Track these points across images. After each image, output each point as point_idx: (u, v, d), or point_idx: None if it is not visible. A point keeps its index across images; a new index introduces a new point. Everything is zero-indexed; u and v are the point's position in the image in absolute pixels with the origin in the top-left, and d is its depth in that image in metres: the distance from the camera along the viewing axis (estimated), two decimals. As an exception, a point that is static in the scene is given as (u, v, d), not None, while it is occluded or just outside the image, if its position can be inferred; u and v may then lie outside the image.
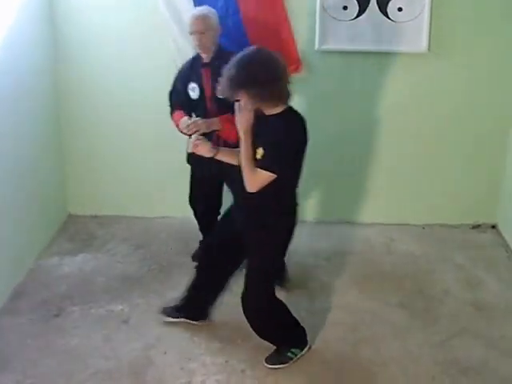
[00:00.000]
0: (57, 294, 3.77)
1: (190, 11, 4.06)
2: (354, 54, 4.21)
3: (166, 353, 3.30)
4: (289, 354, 3.26)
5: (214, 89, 3.50)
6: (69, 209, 4.70)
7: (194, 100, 3.70)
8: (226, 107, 3.50)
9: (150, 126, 4.47)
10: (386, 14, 4.09)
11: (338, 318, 3.60)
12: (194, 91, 3.69)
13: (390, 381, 3.12)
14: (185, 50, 4.16)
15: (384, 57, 4.22)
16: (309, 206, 4.60)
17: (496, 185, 4.51)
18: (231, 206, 3.28)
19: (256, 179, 2.89)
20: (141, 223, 4.61)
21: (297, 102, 4.21)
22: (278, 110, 2.91)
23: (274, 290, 3.17)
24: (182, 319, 3.51)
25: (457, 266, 4.13)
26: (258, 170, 2.88)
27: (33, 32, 4.04)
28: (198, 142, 3.08)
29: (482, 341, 3.41)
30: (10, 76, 3.71)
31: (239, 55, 2.86)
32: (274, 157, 2.87)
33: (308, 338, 3.32)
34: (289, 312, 3.26)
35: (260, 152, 2.89)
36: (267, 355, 3.25)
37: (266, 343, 3.26)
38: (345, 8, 4.10)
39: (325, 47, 4.17)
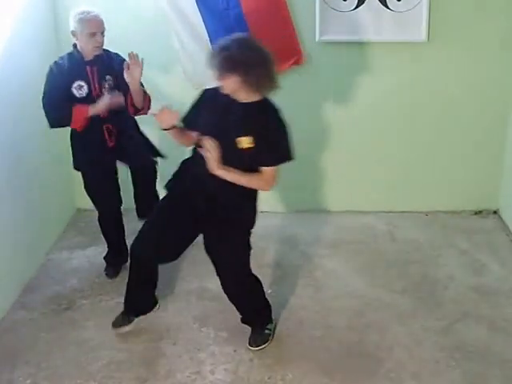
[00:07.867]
0: (67, 288, 3.83)
1: (193, 8, 4.09)
2: (355, 44, 4.23)
3: (175, 344, 3.35)
4: (266, 331, 3.32)
5: (100, 87, 3.53)
6: (77, 203, 4.72)
7: (79, 99, 3.51)
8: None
9: (155, 122, 4.48)
10: (385, 4, 4.10)
11: (344, 305, 3.64)
12: (80, 90, 3.51)
13: (396, 365, 3.16)
14: (190, 49, 4.18)
15: (384, 47, 4.23)
16: (311, 196, 4.65)
17: (497, 171, 4.53)
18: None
19: (268, 179, 2.84)
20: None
21: (298, 94, 4.28)
22: (256, 98, 2.79)
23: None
24: (134, 319, 3.39)
25: (460, 251, 4.17)
26: (264, 169, 2.81)
27: (35, 35, 4.06)
28: (166, 109, 2.94)
29: (485, 325, 3.44)
30: (13, 76, 3.73)
31: (236, 37, 2.72)
32: (280, 149, 2.83)
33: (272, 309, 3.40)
34: (262, 287, 3.30)
35: (248, 141, 2.77)
36: (249, 338, 3.29)
37: (273, 332, 3.36)
38: (344, -1, 4.12)
39: (325, 38, 4.19)
